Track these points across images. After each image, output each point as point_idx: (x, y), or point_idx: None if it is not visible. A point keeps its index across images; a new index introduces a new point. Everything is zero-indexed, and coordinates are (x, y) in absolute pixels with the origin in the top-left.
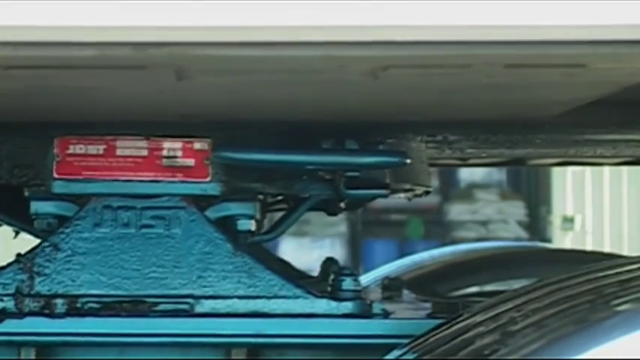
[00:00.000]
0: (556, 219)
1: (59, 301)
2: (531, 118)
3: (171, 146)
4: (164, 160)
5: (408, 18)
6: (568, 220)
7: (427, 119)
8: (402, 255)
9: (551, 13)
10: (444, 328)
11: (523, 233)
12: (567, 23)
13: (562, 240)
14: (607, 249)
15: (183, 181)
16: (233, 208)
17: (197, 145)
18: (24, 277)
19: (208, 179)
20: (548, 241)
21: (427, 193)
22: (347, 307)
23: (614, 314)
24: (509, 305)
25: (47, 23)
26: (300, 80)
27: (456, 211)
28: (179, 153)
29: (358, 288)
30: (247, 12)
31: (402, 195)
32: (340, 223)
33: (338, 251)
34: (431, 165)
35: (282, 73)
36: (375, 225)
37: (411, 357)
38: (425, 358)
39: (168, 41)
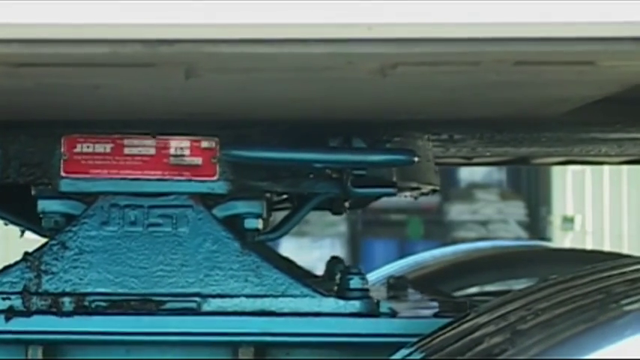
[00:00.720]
0: (556, 219)
1: (66, 299)
2: (537, 117)
3: (178, 145)
4: (171, 159)
5: (417, 15)
6: (568, 220)
7: (433, 117)
8: (402, 255)
9: (561, 9)
10: (451, 327)
11: (523, 233)
12: (577, 20)
13: (562, 240)
14: (607, 249)
15: (190, 180)
16: (240, 207)
17: (204, 144)
18: (31, 275)
19: (216, 177)
20: (548, 241)
21: (434, 191)
22: (354, 305)
23: (623, 314)
24: (517, 305)
25: (58, 21)
26: (309, 78)
27: (456, 211)
28: (186, 151)
29: (366, 287)
30: (257, 9)
31: (409, 194)
32: (340, 223)
33: (338, 251)
34: (435, 164)
35: (290, 70)
36: (375, 225)
37: (419, 357)
38: (432, 357)
39: (178, 38)
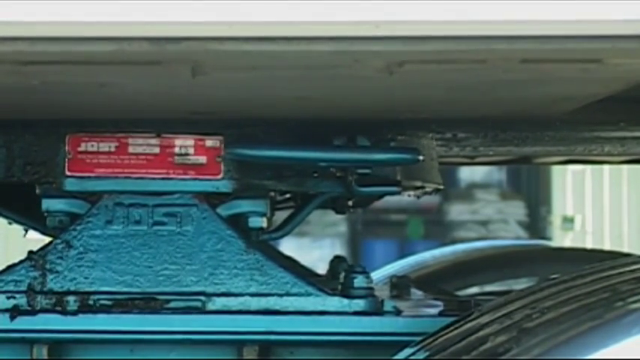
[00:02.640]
0: (556, 219)
1: (71, 298)
2: (542, 115)
3: (183, 143)
4: (176, 158)
5: (425, 13)
6: (568, 220)
7: (438, 116)
8: (402, 255)
9: (568, 7)
10: (455, 326)
11: (523, 233)
12: (584, 18)
13: (562, 240)
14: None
15: (195, 179)
16: (245, 206)
17: (209, 143)
18: (36, 274)
19: (220, 176)
20: (549, 240)
21: (438, 190)
22: (359, 304)
23: (628, 312)
24: (521, 304)
25: (64, 18)
26: (315, 76)
27: (456, 211)
28: (191, 150)
29: (370, 286)
30: (263, 7)
31: (412, 193)
32: (340, 223)
33: (338, 251)
34: (439, 163)
35: (296, 68)
36: (375, 225)
37: (423, 355)
38: (436, 357)
39: (185, 36)
